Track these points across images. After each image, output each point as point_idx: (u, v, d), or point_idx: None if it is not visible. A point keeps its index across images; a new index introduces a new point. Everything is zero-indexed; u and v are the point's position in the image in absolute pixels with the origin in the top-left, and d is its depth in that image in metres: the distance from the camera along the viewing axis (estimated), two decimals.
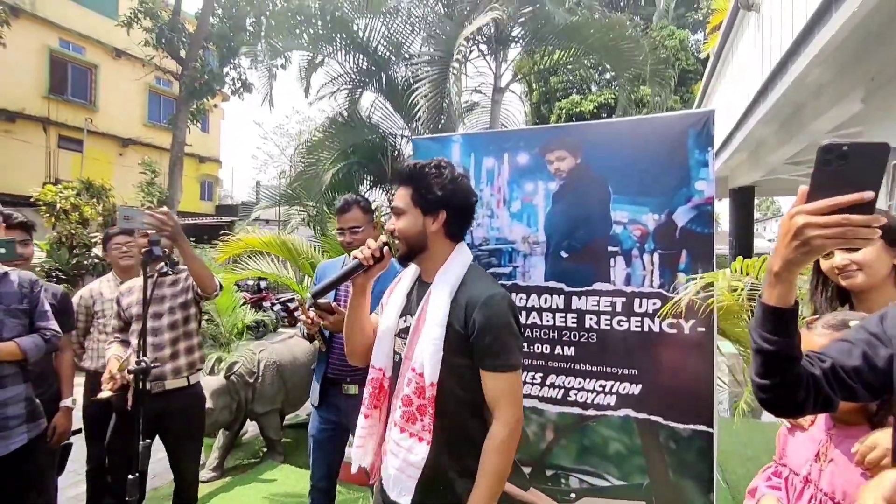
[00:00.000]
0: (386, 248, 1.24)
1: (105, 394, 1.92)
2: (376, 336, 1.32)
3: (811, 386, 0.80)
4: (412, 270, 1.34)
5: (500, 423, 1.14)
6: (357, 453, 1.28)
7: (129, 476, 1.42)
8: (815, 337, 1.05)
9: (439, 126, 4.19)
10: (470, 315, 1.14)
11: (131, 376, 1.63)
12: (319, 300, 1.75)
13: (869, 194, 0.63)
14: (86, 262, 7.52)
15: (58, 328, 1.94)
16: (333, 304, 1.92)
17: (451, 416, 1.16)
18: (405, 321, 1.27)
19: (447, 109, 4.13)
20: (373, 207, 2.57)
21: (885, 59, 3.36)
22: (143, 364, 1.54)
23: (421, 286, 1.29)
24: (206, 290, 2.10)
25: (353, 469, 1.32)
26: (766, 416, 3.87)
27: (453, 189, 1.23)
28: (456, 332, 1.15)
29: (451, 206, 1.24)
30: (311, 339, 2.06)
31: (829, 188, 0.65)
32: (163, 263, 1.72)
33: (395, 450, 1.17)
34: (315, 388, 2.11)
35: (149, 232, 1.69)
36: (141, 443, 1.50)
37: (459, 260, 1.26)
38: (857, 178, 0.63)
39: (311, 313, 1.92)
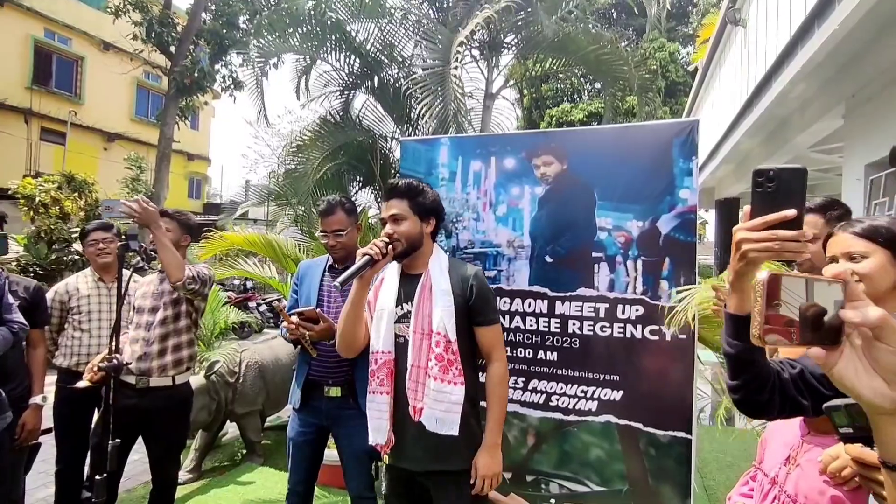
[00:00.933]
0: (390, 246, 1.49)
1: (83, 383, 1.86)
2: (372, 326, 1.58)
3: (776, 388, 0.86)
4: (394, 269, 1.61)
5: (498, 362, 1.55)
6: (377, 430, 1.52)
7: (97, 476, 1.38)
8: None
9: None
10: (467, 285, 1.54)
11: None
12: (304, 309, 1.86)
13: (790, 212, 0.70)
14: (65, 258, 7.36)
15: (24, 321, 1.89)
16: (318, 311, 1.90)
17: (464, 362, 1.51)
18: (401, 308, 1.56)
19: (451, 119, 4.10)
20: (359, 209, 2.55)
21: (865, 78, 3.44)
22: (115, 361, 1.50)
23: (409, 278, 1.59)
24: (171, 278, 2.03)
25: (373, 441, 1.53)
26: (743, 423, 3.91)
27: (438, 201, 1.64)
28: (458, 299, 1.52)
29: (438, 213, 1.63)
30: (294, 342, 2.03)
31: (763, 208, 0.72)
32: (139, 259, 1.67)
33: (437, 397, 1.46)
34: (296, 390, 2.08)
35: (126, 225, 1.67)
36: (111, 442, 1.46)
37: (441, 252, 1.64)
38: (784, 198, 0.70)
39: (294, 319, 1.90)
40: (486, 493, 1.43)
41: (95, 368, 1.78)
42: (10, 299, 1.87)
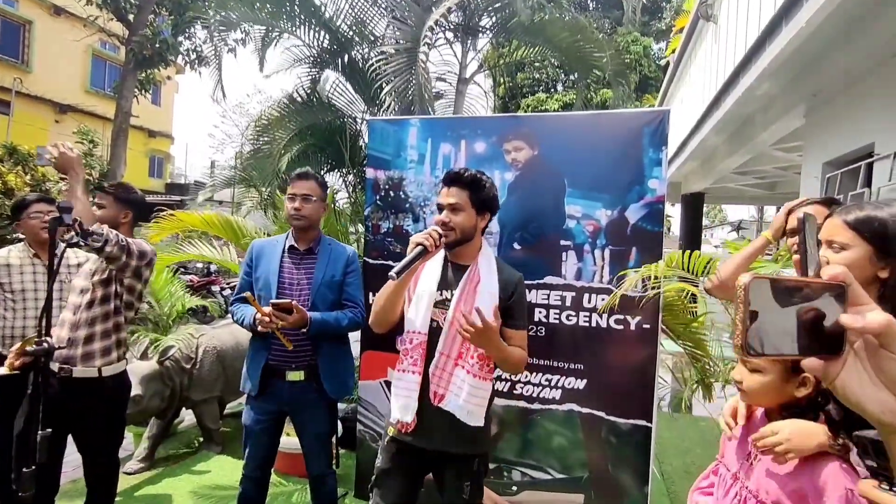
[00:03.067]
0: (444, 236, 1.49)
1: (2, 370, 1.70)
2: (411, 307, 1.57)
3: None
4: (439, 255, 1.59)
5: (525, 354, 1.57)
6: (405, 408, 1.52)
7: (24, 469, 1.27)
8: None
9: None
10: (510, 289, 1.56)
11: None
12: (280, 301, 1.80)
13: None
14: (9, 237, 6.89)
15: None
16: (294, 302, 1.81)
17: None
18: (441, 294, 1.56)
19: (417, 102, 4.00)
20: (329, 191, 2.45)
21: (827, 78, 3.55)
22: (45, 344, 1.37)
23: (456, 267, 1.59)
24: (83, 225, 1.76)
25: (398, 418, 1.53)
26: (700, 411, 4.06)
27: (495, 197, 1.61)
28: (500, 300, 1.53)
29: (493, 210, 1.62)
30: (263, 336, 1.93)
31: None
32: (73, 233, 1.53)
33: (473, 392, 1.49)
34: (254, 376, 1.98)
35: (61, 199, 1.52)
36: (40, 432, 1.34)
37: (490, 249, 1.64)
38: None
39: (267, 309, 1.81)
40: (464, 327, 1.37)
41: (18, 353, 1.63)
42: None
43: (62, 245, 1.62)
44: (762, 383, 1.02)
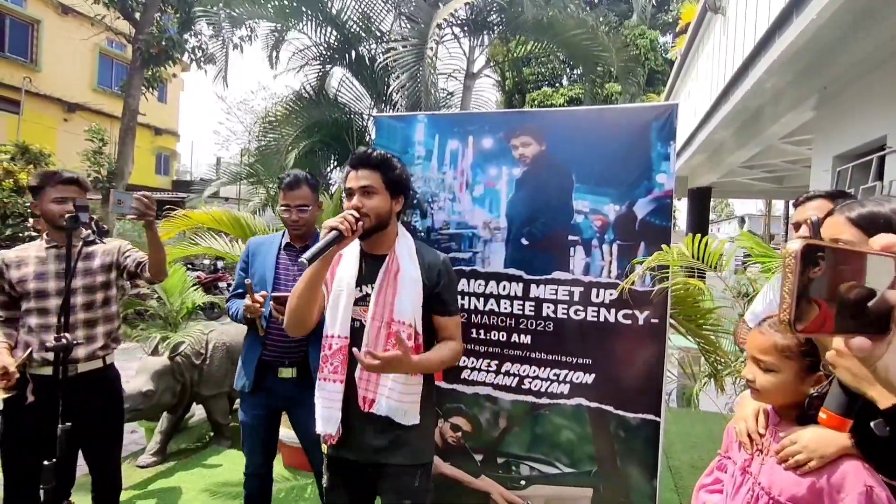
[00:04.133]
0: (360, 222, 1.35)
1: None
2: (328, 307, 1.45)
3: None
4: (354, 247, 1.46)
5: (459, 344, 1.49)
6: (328, 419, 1.41)
7: (45, 462, 1.30)
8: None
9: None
10: (434, 274, 1.46)
11: (25, 369, 1.46)
12: (278, 294, 1.79)
13: None
14: (21, 235, 6.98)
15: None
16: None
17: (424, 352, 1.43)
18: (360, 290, 1.44)
19: (424, 99, 4.00)
20: (334, 187, 2.46)
21: (838, 70, 3.50)
22: (63, 341, 1.40)
23: (370, 258, 1.46)
24: (159, 276, 1.97)
25: (322, 431, 1.42)
26: (707, 406, 4.05)
27: (409, 178, 1.51)
28: (425, 287, 1.44)
29: (407, 191, 1.50)
30: (250, 323, 1.95)
31: None
32: (89, 232, 1.54)
33: (403, 390, 1.39)
34: (248, 373, 2.00)
35: (75, 199, 1.54)
36: (60, 426, 1.37)
37: (408, 235, 1.52)
38: None
39: (259, 298, 1.84)
40: (366, 362, 1.27)
41: (14, 373, 1.59)
42: None
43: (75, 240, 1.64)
44: (775, 383, 1.01)
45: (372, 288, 1.41)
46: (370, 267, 1.45)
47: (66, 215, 1.71)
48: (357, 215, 1.35)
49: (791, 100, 4.31)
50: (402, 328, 1.37)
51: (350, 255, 1.46)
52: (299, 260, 1.30)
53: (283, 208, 2.00)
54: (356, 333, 1.42)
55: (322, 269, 1.37)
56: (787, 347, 1.00)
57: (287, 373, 1.97)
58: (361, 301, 1.44)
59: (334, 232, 1.30)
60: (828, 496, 0.91)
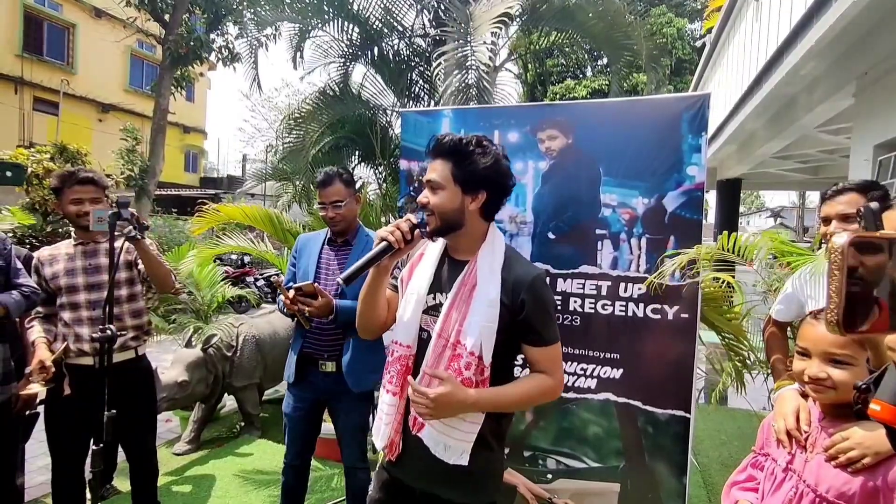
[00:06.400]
0: (417, 230, 1.21)
1: (35, 387, 1.76)
2: (398, 313, 1.29)
3: None
4: (437, 246, 1.30)
5: (554, 380, 1.23)
6: (378, 433, 1.28)
7: (93, 446, 1.37)
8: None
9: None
10: (518, 294, 1.18)
11: (62, 361, 1.54)
12: (302, 284, 1.79)
13: None
14: (60, 230, 7.29)
15: (35, 285, 1.84)
16: (317, 285, 1.86)
17: (494, 385, 1.21)
18: (434, 298, 1.26)
19: (476, 93, 3.94)
20: (358, 183, 2.49)
21: (880, 55, 3.34)
22: (108, 332, 1.47)
23: (453, 263, 1.28)
24: (165, 289, 2.03)
25: (379, 446, 1.30)
26: (736, 403, 3.96)
27: (497, 169, 1.22)
28: (504, 308, 1.18)
29: (492, 186, 1.22)
30: (291, 316, 2.00)
31: None
32: (131, 227, 1.61)
33: (451, 423, 1.17)
34: (291, 364, 2.06)
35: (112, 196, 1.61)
36: (106, 413, 1.44)
37: (500, 239, 1.27)
38: None
39: (291, 294, 1.86)
40: (412, 397, 1.13)
41: (50, 367, 1.68)
42: (19, 264, 1.82)
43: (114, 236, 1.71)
44: (851, 378, 0.91)
45: (446, 298, 1.22)
46: (450, 273, 1.26)
47: (89, 204, 1.83)
48: (413, 221, 1.21)
49: (828, 87, 4.13)
50: (463, 354, 1.17)
51: (430, 256, 1.30)
52: (336, 280, 1.24)
53: (319, 206, 2.04)
54: (423, 345, 1.25)
55: (380, 277, 1.26)
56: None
57: (329, 366, 2.00)
58: (433, 310, 1.25)
59: (384, 243, 1.19)
60: (883, 495, 0.87)
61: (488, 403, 1.17)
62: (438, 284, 1.26)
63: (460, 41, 3.91)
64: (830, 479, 0.94)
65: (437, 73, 4.06)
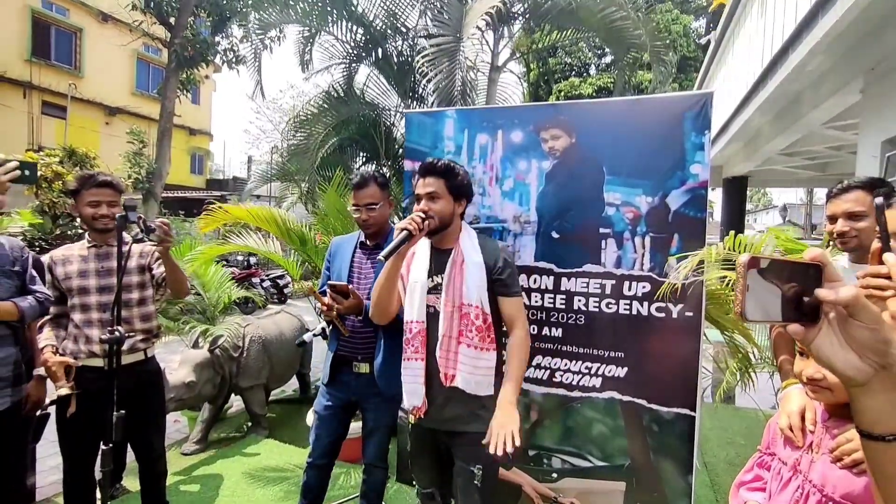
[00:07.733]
0: (427, 221, 1.56)
1: (64, 390, 1.80)
2: (406, 298, 1.67)
3: None
4: (425, 243, 1.69)
5: (520, 329, 1.62)
6: (412, 393, 1.63)
7: (103, 446, 1.39)
8: None
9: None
10: (494, 259, 1.63)
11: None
12: (337, 283, 1.89)
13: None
14: (70, 233, 7.37)
15: (48, 292, 1.87)
16: (350, 287, 1.88)
17: (494, 331, 1.62)
18: (432, 281, 1.65)
19: (460, 94, 3.96)
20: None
21: (888, 49, 3.31)
22: (117, 334, 1.49)
23: (438, 252, 1.67)
24: (179, 294, 2.07)
25: (408, 405, 1.66)
26: (743, 402, 3.93)
27: (470, 183, 1.72)
28: (489, 271, 1.61)
29: (469, 195, 1.72)
30: (329, 322, 2.01)
31: None
32: (138, 230, 1.64)
33: (476, 363, 1.58)
34: (326, 365, 2.09)
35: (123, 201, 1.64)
36: (115, 413, 1.46)
37: (470, 229, 1.73)
38: None
39: (327, 299, 1.88)
40: (501, 450, 1.40)
41: (62, 372, 1.73)
42: (34, 272, 1.85)
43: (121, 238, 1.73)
44: None
45: (442, 278, 1.62)
46: (439, 260, 1.66)
47: (105, 206, 1.88)
48: (424, 216, 1.56)
49: (835, 82, 4.09)
50: (471, 310, 1.57)
51: (422, 252, 1.68)
52: (378, 257, 1.48)
53: (353, 208, 2.04)
54: (432, 318, 1.63)
55: (398, 263, 1.60)
56: None
57: (363, 368, 2.02)
58: (434, 290, 1.65)
59: (405, 231, 1.51)
60: None
61: (515, 381, 1.53)
62: (433, 269, 1.66)
63: (448, 36, 3.91)
64: (836, 479, 0.93)
65: (421, 68, 4.06)
